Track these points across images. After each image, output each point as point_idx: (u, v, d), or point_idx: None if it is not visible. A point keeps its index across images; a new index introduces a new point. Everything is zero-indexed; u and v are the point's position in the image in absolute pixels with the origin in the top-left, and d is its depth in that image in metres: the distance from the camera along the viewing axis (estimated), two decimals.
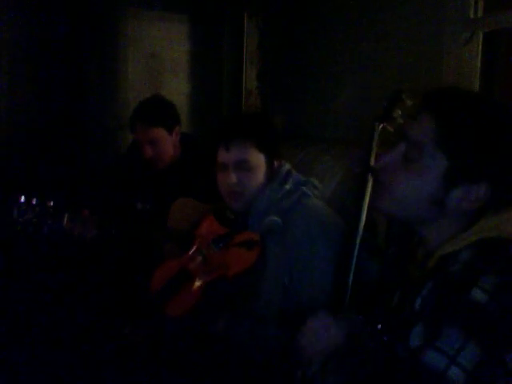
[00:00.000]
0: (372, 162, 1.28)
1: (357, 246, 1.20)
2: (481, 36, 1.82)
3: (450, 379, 0.79)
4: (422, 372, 0.81)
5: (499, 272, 0.83)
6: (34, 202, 1.63)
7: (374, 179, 1.05)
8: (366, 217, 1.22)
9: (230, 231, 1.58)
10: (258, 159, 1.53)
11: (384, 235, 1.31)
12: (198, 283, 1.55)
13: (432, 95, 0.97)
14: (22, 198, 1.62)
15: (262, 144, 1.54)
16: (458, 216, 0.95)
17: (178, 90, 2.93)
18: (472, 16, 1.81)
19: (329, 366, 0.99)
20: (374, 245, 1.33)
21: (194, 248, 1.63)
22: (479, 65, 1.84)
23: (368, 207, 1.21)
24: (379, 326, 1.02)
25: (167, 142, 2.12)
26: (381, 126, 1.33)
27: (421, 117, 0.95)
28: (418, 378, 0.82)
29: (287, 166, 1.62)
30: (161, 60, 2.93)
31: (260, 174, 1.54)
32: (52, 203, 1.65)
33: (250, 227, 1.54)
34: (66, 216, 1.66)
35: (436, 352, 0.81)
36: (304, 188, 1.56)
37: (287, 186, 1.54)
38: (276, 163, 1.59)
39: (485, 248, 0.88)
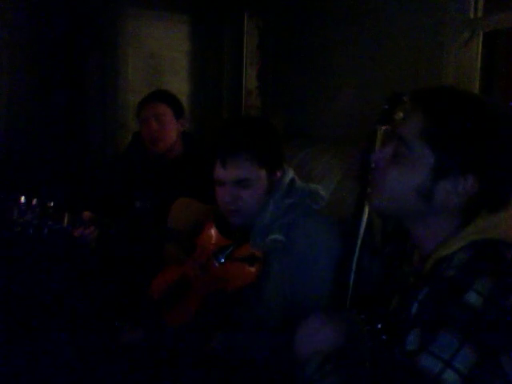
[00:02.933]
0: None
1: (358, 247, 1.21)
2: (481, 36, 1.82)
3: (446, 383, 0.79)
4: (417, 376, 0.81)
5: (494, 275, 0.83)
6: (34, 202, 1.63)
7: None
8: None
9: (232, 244, 1.53)
10: (259, 175, 1.45)
11: (380, 236, 1.31)
12: (197, 294, 1.54)
13: (420, 94, 0.99)
14: (22, 199, 1.62)
15: (263, 159, 1.44)
16: (449, 213, 0.95)
17: (178, 90, 2.91)
18: (472, 16, 1.81)
19: (326, 367, 0.99)
20: (372, 245, 1.34)
21: (195, 257, 1.61)
22: (479, 65, 1.84)
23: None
24: (379, 326, 1.02)
25: (172, 123, 2.14)
26: (383, 128, 1.34)
27: (410, 115, 0.97)
28: (414, 382, 0.82)
29: (290, 175, 1.53)
30: (161, 60, 2.93)
31: (260, 190, 1.46)
32: (52, 204, 1.66)
33: (252, 244, 1.47)
34: (66, 216, 1.67)
35: (431, 356, 0.81)
36: (309, 201, 1.49)
37: (290, 200, 1.47)
38: (278, 173, 1.50)
39: (479, 250, 0.88)
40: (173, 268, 1.65)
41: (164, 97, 2.18)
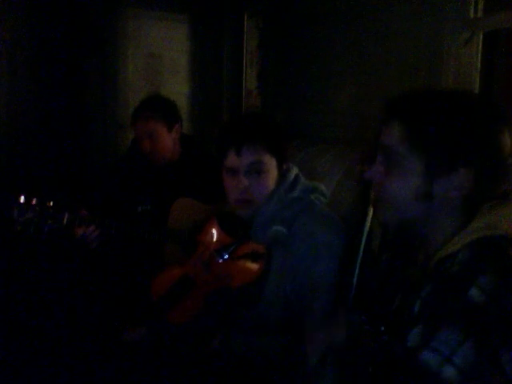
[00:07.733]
0: None
1: (362, 249, 1.21)
2: (481, 36, 1.82)
3: (445, 378, 0.80)
4: (417, 371, 0.82)
5: (497, 271, 0.84)
6: (34, 201, 1.63)
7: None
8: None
9: (235, 241, 1.52)
10: (270, 162, 1.46)
11: (379, 241, 1.31)
12: (199, 292, 1.53)
13: (396, 102, 1.00)
14: (22, 198, 1.62)
15: (274, 147, 1.47)
16: (452, 210, 0.96)
17: (178, 90, 2.93)
18: (472, 16, 1.81)
19: (328, 360, 1.00)
20: (369, 250, 1.33)
21: (197, 255, 1.59)
22: (479, 65, 1.84)
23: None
24: (382, 328, 1.02)
25: (166, 138, 2.11)
26: None
27: (390, 124, 0.98)
28: (414, 377, 0.83)
29: (295, 171, 1.55)
30: (161, 60, 2.94)
31: (271, 179, 1.47)
32: (52, 203, 1.66)
33: (254, 236, 1.48)
34: (66, 216, 1.67)
35: (432, 351, 0.81)
36: (312, 196, 1.51)
37: (294, 194, 1.49)
38: (284, 166, 1.52)
39: (481, 247, 0.89)
40: (174, 268, 1.65)
41: (154, 110, 2.10)
